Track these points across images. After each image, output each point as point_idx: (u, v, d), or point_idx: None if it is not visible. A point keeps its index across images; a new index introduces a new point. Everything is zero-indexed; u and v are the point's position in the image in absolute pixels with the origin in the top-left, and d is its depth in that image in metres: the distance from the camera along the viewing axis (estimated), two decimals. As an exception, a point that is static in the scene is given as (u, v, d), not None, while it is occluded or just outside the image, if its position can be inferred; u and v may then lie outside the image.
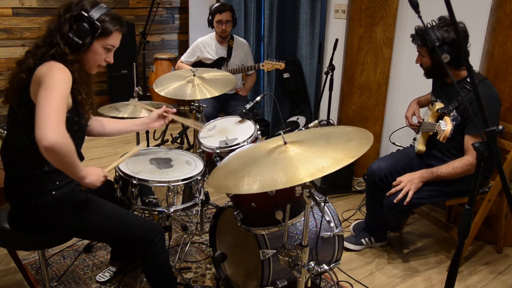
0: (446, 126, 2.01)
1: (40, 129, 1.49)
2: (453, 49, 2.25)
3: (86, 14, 1.69)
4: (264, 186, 1.39)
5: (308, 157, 1.46)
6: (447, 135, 2.00)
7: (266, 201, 1.77)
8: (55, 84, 1.58)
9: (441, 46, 2.25)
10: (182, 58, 3.89)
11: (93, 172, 1.74)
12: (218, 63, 3.79)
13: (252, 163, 1.54)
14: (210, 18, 3.70)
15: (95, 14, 1.71)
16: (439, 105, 2.44)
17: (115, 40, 1.80)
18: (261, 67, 3.63)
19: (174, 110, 2.27)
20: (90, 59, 1.78)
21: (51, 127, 1.49)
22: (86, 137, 1.95)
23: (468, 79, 2.33)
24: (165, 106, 2.25)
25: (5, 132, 1.84)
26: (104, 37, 1.75)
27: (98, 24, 1.70)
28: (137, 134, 3.13)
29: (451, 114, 2.35)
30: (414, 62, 2.49)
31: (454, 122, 2.02)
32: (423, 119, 2.63)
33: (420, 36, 2.35)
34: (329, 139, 1.60)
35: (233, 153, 1.82)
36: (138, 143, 3.18)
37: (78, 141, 1.84)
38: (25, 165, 1.73)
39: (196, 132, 2.54)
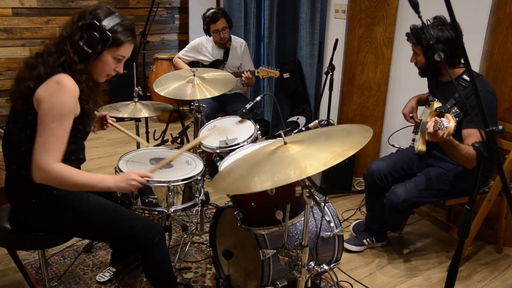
0: (449, 122, 2.01)
1: (35, 165, 1.62)
2: (446, 48, 2.27)
3: (98, 24, 1.67)
4: (278, 181, 1.39)
5: (310, 153, 1.46)
6: (451, 131, 2.00)
7: (266, 201, 1.77)
8: (59, 111, 1.62)
9: (436, 45, 2.27)
10: (180, 54, 3.87)
11: (121, 179, 1.78)
12: (214, 66, 3.78)
13: (256, 165, 1.54)
14: (205, 27, 3.67)
15: (108, 24, 1.69)
16: (437, 104, 2.44)
17: (126, 51, 1.78)
18: (256, 74, 3.61)
19: (114, 119, 2.19)
20: (99, 68, 1.77)
21: (44, 166, 1.61)
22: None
23: (464, 76, 2.35)
24: (108, 114, 2.18)
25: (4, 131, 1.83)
26: (115, 48, 1.73)
27: (110, 34, 1.69)
28: (137, 134, 3.13)
29: (452, 110, 2.35)
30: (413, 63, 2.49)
31: (457, 118, 2.04)
32: (421, 119, 2.63)
33: (415, 35, 2.38)
34: (328, 137, 1.60)
35: (234, 158, 1.82)
36: (138, 143, 3.17)
37: (80, 147, 1.86)
38: (27, 166, 1.72)
39: (196, 132, 2.54)
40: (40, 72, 1.66)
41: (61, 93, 1.62)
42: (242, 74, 3.60)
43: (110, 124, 2.18)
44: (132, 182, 1.78)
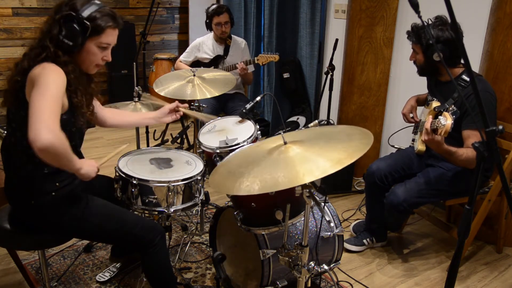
0: (447, 120, 2.02)
1: (33, 131, 1.45)
2: (446, 48, 2.27)
3: (74, 14, 1.64)
4: (265, 187, 1.39)
5: (308, 157, 1.46)
6: (448, 129, 2.01)
7: (266, 201, 1.77)
8: (48, 85, 1.55)
9: (435, 44, 2.27)
10: (181, 57, 3.91)
11: (88, 163, 1.72)
12: (215, 61, 3.80)
13: (252, 163, 1.54)
14: (207, 21, 3.72)
15: (85, 12, 1.65)
16: (435, 103, 2.45)
17: (109, 37, 1.73)
18: (256, 61, 3.63)
19: (186, 104, 2.28)
20: (85, 59, 1.73)
21: (43, 128, 1.46)
22: (86, 136, 1.94)
23: (463, 76, 2.36)
24: (177, 102, 2.24)
25: (5, 132, 1.84)
26: (97, 36, 1.69)
27: (88, 23, 1.65)
28: (137, 134, 3.13)
29: (450, 108, 2.36)
30: (412, 61, 2.50)
31: (454, 116, 2.05)
32: (420, 119, 2.63)
33: (415, 33, 2.38)
34: (329, 139, 1.60)
35: (233, 152, 1.82)
36: (138, 143, 3.18)
37: (76, 142, 1.84)
38: (24, 166, 1.72)
39: (196, 132, 2.54)
40: (24, 65, 1.64)
41: (46, 73, 1.59)
42: (237, 65, 3.60)
43: (183, 111, 2.24)
44: (94, 173, 1.71)
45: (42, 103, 1.51)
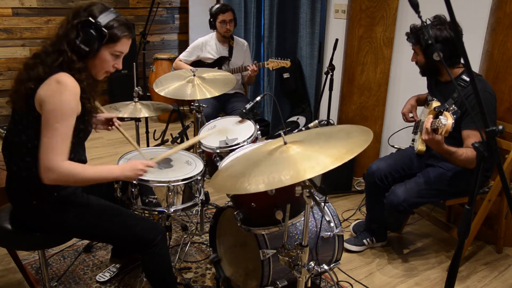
0: (447, 120, 2.02)
1: (43, 167, 1.60)
2: (445, 48, 2.27)
3: (93, 21, 1.66)
4: (272, 184, 1.39)
5: (309, 155, 1.46)
6: (449, 128, 2.01)
7: (266, 201, 1.77)
8: (62, 110, 1.60)
9: (434, 44, 2.27)
10: (181, 56, 3.88)
11: (130, 167, 1.79)
12: (219, 62, 3.79)
13: (255, 164, 1.54)
14: (211, 20, 3.71)
15: (103, 20, 1.67)
16: (435, 103, 2.45)
17: (123, 46, 1.76)
18: (265, 65, 3.62)
19: (120, 123, 2.20)
20: (97, 65, 1.75)
21: (53, 166, 1.60)
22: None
23: (462, 76, 2.36)
24: (115, 117, 2.20)
25: (5, 132, 1.83)
26: (112, 44, 1.72)
27: (106, 31, 1.67)
28: (137, 134, 3.12)
29: (451, 108, 2.36)
30: (414, 62, 2.50)
31: (455, 116, 2.06)
32: (420, 119, 2.63)
33: (414, 34, 2.38)
34: (328, 137, 1.60)
35: (233, 157, 1.82)
36: (138, 143, 3.17)
37: (82, 146, 1.86)
38: (27, 167, 1.72)
39: (196, 132, 2.54)
40: (39, 72, 1.64)
41: (62, 92, 1.61)
42: (248, 67, 3.61)
43: (116, 127, 2.18)
44: (139, 171, 1.80)
45: (55, 133, 1.60)
